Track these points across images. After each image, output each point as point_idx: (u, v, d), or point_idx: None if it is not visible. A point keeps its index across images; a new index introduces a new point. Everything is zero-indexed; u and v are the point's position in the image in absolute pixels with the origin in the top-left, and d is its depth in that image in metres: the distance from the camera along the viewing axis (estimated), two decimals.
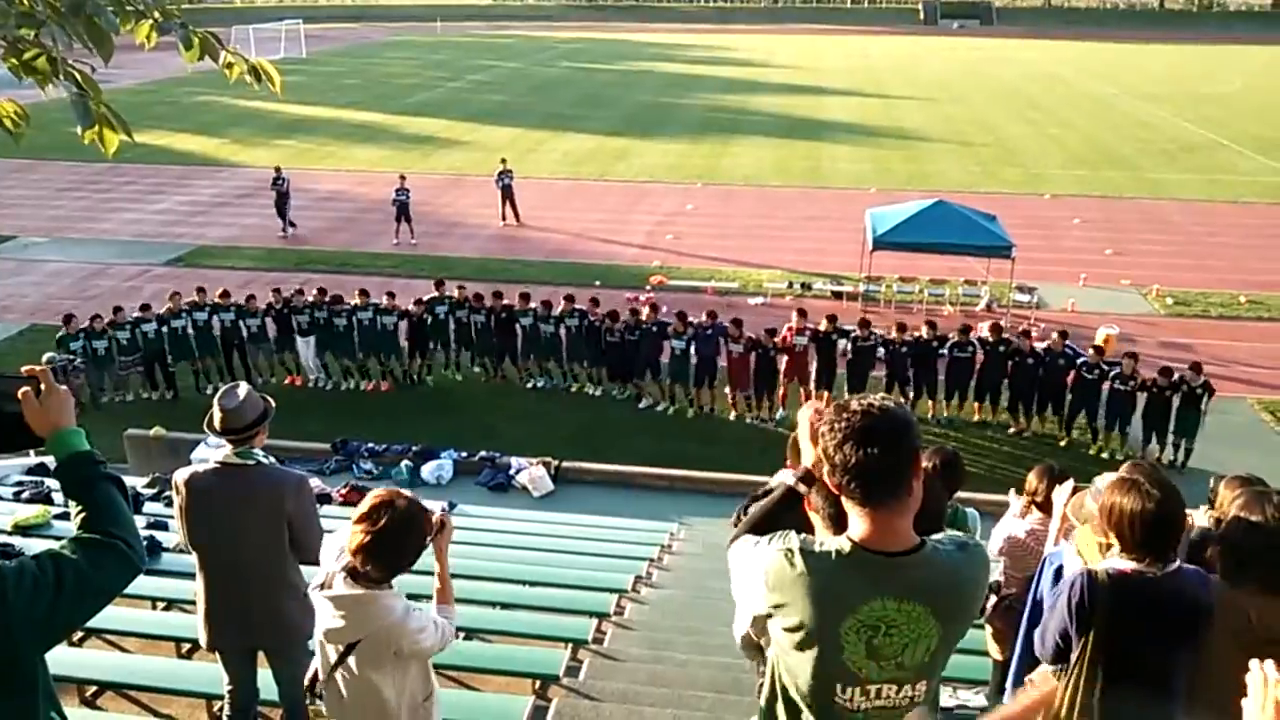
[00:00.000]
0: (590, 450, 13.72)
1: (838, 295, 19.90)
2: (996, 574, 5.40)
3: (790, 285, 20.67)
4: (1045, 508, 5.46)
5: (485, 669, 6.08)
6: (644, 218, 26.45)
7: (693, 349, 15.09)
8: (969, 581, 2.47)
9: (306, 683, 3.73)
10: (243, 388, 4.61)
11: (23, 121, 3.06)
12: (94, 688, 5.88)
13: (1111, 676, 3.15)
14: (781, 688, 2.58)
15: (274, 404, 4.76)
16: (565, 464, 13.14)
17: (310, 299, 16.24)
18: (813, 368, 14.90)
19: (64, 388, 2.48)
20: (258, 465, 4.55)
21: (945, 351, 14.66)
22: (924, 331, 14.69)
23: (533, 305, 16.06)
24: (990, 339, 14.53)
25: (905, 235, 17.93)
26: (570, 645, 6.71)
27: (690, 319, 15.38)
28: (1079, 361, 14.16)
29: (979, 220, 18.52)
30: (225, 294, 16.16)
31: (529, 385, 16.31)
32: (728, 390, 15.24)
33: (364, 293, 16.35)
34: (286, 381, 16.27)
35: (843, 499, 2.42)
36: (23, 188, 29.93)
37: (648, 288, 20.39)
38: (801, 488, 2.87)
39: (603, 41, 74.27)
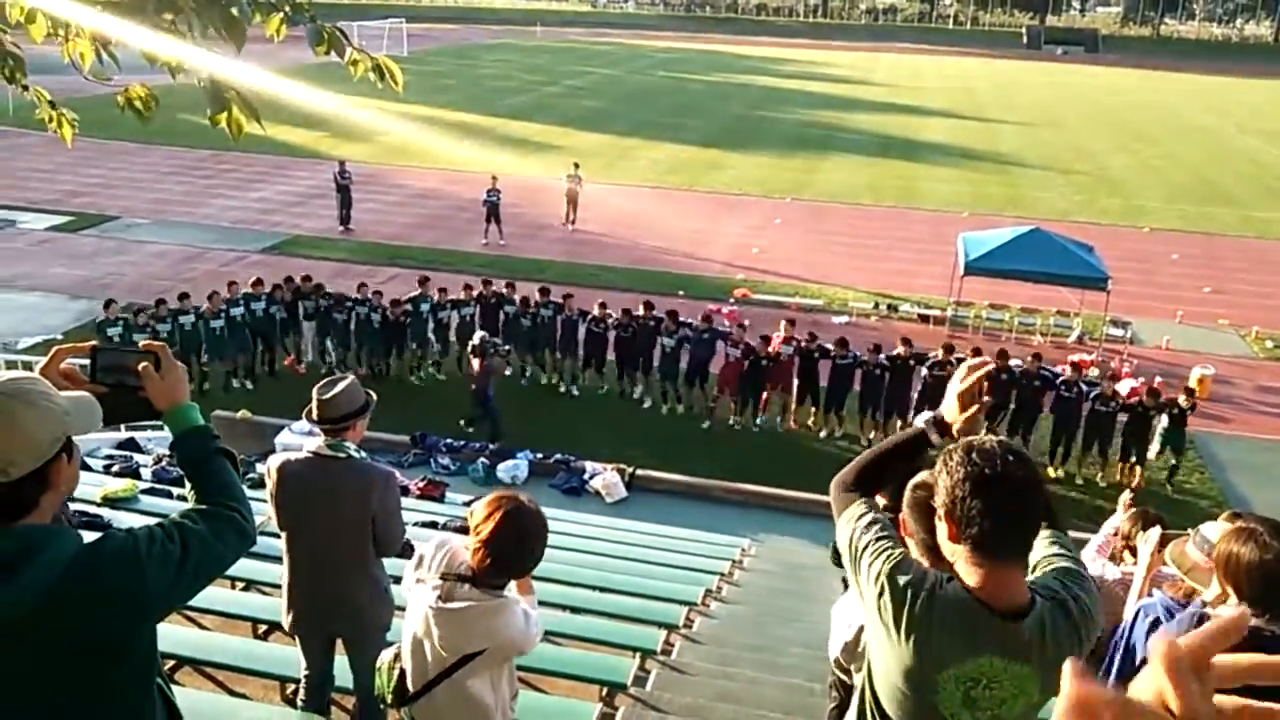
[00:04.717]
0: (665, 459, 13.70)
1: (924, 319, 19.60)
2: None
3: (876, 306, 20.41)
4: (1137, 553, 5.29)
5: (554, 672, 6.07)
6: (731, 230, 26.39)
7: (684, 349, 15.35)
8: (1079, 644, 2.33)
9: (390, 689, 3.52)
10: (343, 380, 4.65)
11: (152, 105, 3.15)
12: (171, 662, 6.00)
13: None
14: (870, 713, 2.51)
15: (375, 398, 4.81)
16: (639, 471, 13.15)
17: (313, 285, 16.58)
18: (795, 380, 15.06)
19: (181, 365, 2.53)
20: (348, 458, 4.59)
21: (926, 371, 14.40)
22: (900, 350, 14.52)
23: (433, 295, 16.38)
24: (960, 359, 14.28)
25: (998, 262, 17.60)
26: (639, 654, 6.68)
27: (682, 319, 15.60)
28: (1058, 381, 14.04)
29: (1075, 250, 18.09)
30: (258, 282, 16.35)
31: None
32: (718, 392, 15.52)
33: (363, 285, 16.75)
34: (285, 363, 16.57)
35: (955, 545, 2.27)
36: (129, 170, 30.94)
37: (731, 300, 20.32)
38: (935, 436, 2.72)
39: (699, 52, 74.35)
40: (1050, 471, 13.99)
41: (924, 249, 24.22)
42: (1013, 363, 14.32)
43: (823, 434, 15.08)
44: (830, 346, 14.79)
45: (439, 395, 16.03)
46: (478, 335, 14.57)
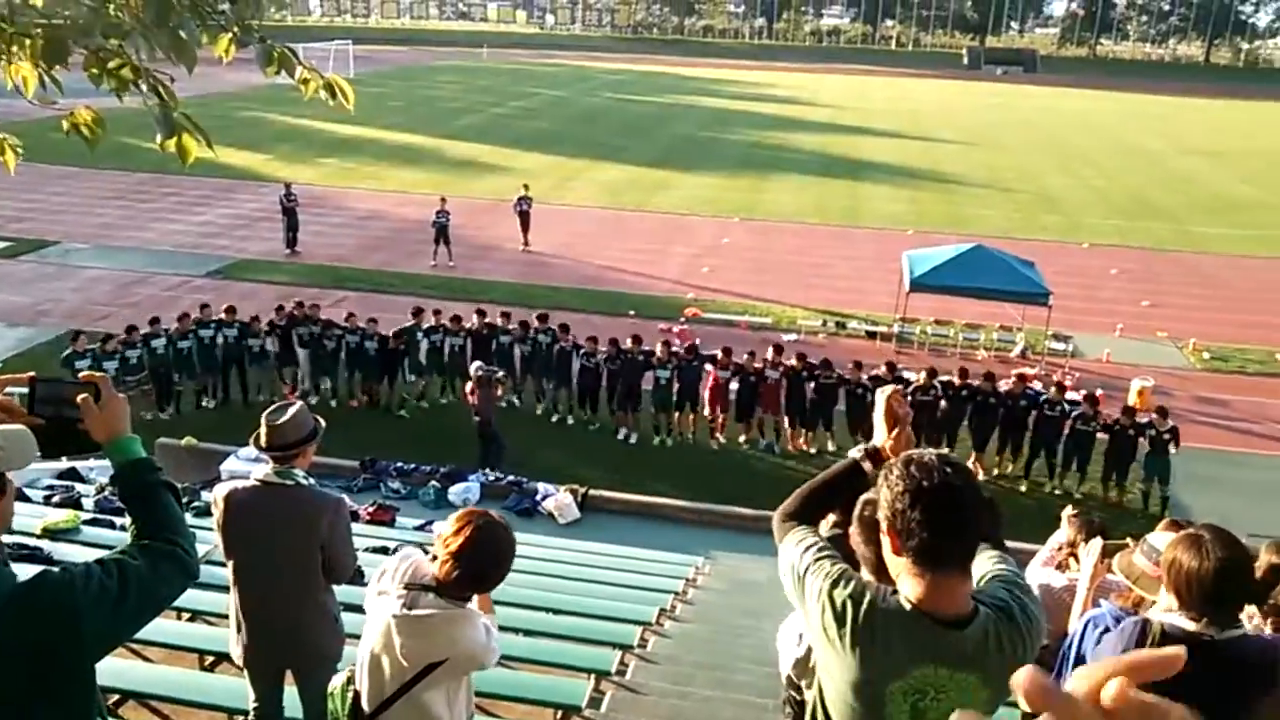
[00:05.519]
0: (620, 479, 13.67)
1: (871, 335, 19.81)
2: None
3: (824, 323, 20.59)
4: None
5: (507, 696, 6.02)
6: (680, 250, 26.50)
7: (675, 377, 15.29)
8: (1026, 652, 2.35)
9: (345, 713, 3.48)
10: (292, 407, 4.59)
11: (99, 129, 3.11)
12: (115, 696, 5.86)
13: None
14: None
15: (324, 424, 4.76)
16: (592, 492, 13.11)
17: (307, 309, 16.37)
18: (783, 403, 15.21)
19: (122, 396, 2.49)
20: (296, 485, 4.53)
21: (909, 394, 14.62)
22: (882, 370, 14.70)
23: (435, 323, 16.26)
24: (956, 382, 14.64)
25: (942, 278, 17.87)
26: (593, 676, 6.65)
27: (673, 348, 15.64)
28: (1041, 400, 14.33)
29: (1017, 266, 18.42)
30: (231, 309, 16.05)
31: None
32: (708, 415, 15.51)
33: (351, 315, 16.47)
34: (286, 394, 16.17)
35: (897, 557, 2.30)
36: (68, 194, 30.38)
37: (681, 319, 20.38)
38: (867, 465, 2.79)
39: (646, 74, 74.74)
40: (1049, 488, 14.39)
41: (869, 267, 24.49)
42: (1001, 384, 14.60)
43: (813, 450, 15.15)
44: (815, 364, 14.99)
45: (399, 421, 15.92)
46: (474, 365, 14.32)
